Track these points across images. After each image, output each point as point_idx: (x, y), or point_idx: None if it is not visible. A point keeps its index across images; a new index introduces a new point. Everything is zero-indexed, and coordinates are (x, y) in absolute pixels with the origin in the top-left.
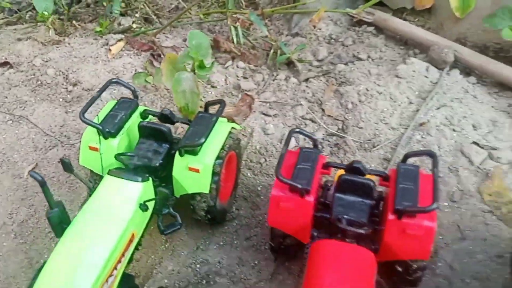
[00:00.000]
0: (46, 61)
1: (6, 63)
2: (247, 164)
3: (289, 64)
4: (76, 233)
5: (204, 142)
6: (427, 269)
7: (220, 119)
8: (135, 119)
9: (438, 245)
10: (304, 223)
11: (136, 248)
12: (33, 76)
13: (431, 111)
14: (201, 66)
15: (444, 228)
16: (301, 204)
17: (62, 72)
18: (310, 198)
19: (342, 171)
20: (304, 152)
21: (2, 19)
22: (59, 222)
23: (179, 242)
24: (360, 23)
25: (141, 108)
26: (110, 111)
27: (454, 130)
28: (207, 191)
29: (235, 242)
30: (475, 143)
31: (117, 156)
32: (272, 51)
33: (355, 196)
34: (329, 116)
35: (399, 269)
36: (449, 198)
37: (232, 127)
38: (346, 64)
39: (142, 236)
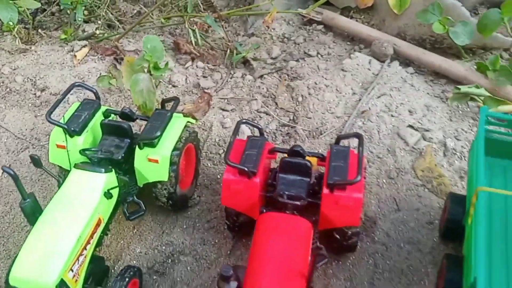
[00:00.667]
0: (14, 69)
1: None
2: (207, 155)
3: (245, 62)
4: (48, 219)
5: (161, 135)
6: (368, 237)
7: (176, 114)
8: (98, 118)
9: (377, 216)
10: (253, 202)
11: (105, 234)
12: (2, 83)
13: (372, 100)
14: (156, 67)
15: (382, 201)
16: (249, 185)
17: (30, 79)
18: (257, 179)
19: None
20: (251, 140)
21: None
22: (32, 212)
23: (145, 227)
24: (310, 22)
25: (103, 108)
26: (75, 111)
27: (392, 116)
28: (166, 179)
29: (198, 225)
30: (410, 126)
31: (82, 151)
32: (228, 51)
33: (295, 175)
34: (281, 108)
35: (337, 236)
36: (387, 175)
37: (188, 121)
38: (297, 60)
39: (109, 222)
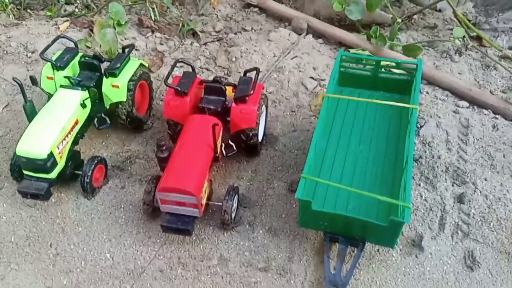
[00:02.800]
0: (9, 37)
1: None
2: (160, 97)
3: (194, 34)
4: (42, 116)
5: (121, 67)
6: (271, 148)
7: (133, 58)
8: (77, 59)
9: (279, 135)
10: (186, 114)
11: (81, 136)
12: None
13: (287, 61)
14: (119, 24)
15: (284, 126)
16: (182, 101)
17: (22, 44)
18: (188, 99)
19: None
20: (185, 74)
21: None
22: (31, 112)
23: (111, 141)
24: (248, 5)
25: (80, 54)
26: (60, 54)
27: (300, 71)
28: (124, 100)
29: (150, 141)
30: (311, 77)
31: (66, 77)
32: (181, 25)
33: (214, 96)
34: (219, 66)
35: (243, 137)
36: (290, 109)
37: (141, 63)
38: (235, 33)
39: (84, 128)
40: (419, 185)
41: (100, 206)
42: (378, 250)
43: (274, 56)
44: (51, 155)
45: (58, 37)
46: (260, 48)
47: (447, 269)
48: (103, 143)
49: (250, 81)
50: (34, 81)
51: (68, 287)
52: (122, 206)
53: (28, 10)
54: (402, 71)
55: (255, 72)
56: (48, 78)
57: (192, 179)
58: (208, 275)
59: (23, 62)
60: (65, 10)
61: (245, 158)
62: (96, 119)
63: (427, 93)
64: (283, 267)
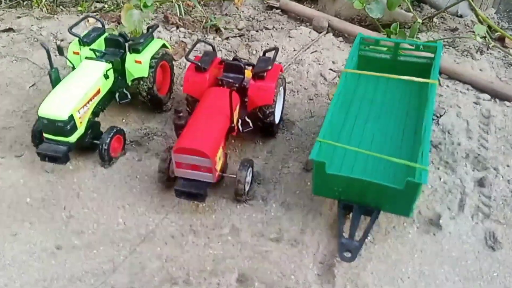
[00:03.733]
0: (41, 28)
1: (10, 29)
2: (181, 83)
3: (217, 30)
4: (65, 82)
5: (143, 43)
6: (288, 131)
7: (156, 39)
8: (103, 37)
9: (296, 120)
10: (204, 90)
11: (101, 109)
12: (31, 36)
13: (306, 54)
14: (145, 6)
15: (302, 112)
16: (201, 78)
17: (52, 34)
18: (207, 75)
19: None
20: (205, 52)
21: (6, 4)
22: (55, 79)
23: (131, 119)
24: (271, 8)
25: (107, 33)
26: (88, 32)
27: (319, 64)
28: (146, 75)
29: (168, 119)
30: (331, 69)
31: (91, 49)
32: (205, 21)
33: (233, 73)
34: (240, 58)
35: (260, 114)
36: (308, 98)
37: (164, 44)
38: (257, 31)
39: (105, 100)
40: (438, 168)
41: (116, 175)
42: (394, 227)
43: (294, 50)
44: (71, 118)
45: (86, 16)
46: (280, 43)
47: (466, 248)
48: (123, 120)
49: (269, 60)
50: (60, 50)
51: (78, 246)
52: (138, 177)
53: (61, 7)
54: (421, 55)
55: (274, 51)
56: (74, 53)
57: (208, 142)
58: (219, 242)
59: (51, 48)
60: (95, 7)
61: (261, 140)
62: (117, 94)
63: (447, 86)
64: (295, 238)
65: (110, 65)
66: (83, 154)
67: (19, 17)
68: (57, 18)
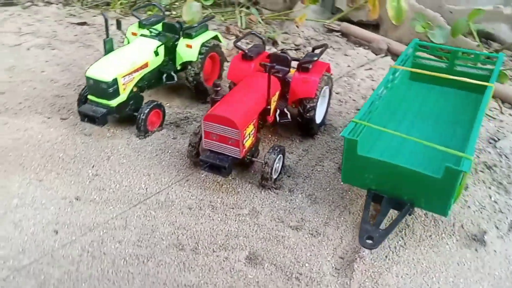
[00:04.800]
0: (111, 24)
1: (84, 23)
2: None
3: (274, 43)
4: (116, 51)
5: (196, 29)
6: (328, 135)
7: (211, 31)
8: (161, 23)
9: (339, 126)
10: None
11: (148, 84)
12: (101, 30)
13: (360, 70)
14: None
15: (346, 120)
16: (246, 66)
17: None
18: (252, 64)
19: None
20: (255, 45)
21: (86, 5)
22: (109, 47)
23: (174, 103)
24: (331, 31)
25: (165, 20)
26: (148, 16)
27: (372, 80)
28: (195, 60)
29: (207, 107)
30: None
31: (148, 27)
32: (263, 32)
33: (279, 66)
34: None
35: (300, 109)
36: (355, 108)
37: (217, 35)
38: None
39: (153, 78)
40: (489, 188)
41: (148, 147)
42: (430, 235)
43: (349, 66)
44: (115, 81)
45: (149, 3)
46: (336, 60)
47: None
48: (167, 104)
49: (315, 56)
50: (119, 24)
51: (96, 201)
52: (169, 151)
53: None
54: (479, 67)
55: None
56: (132, 34)
57: (239, 113)
58: (236, 221)
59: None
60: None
61: (299, 138)
62: (165, 75)
63: (510, 115)
64: (317, 229)
65: (161, 43)
66: (122, 125)
67: (94, 16)
68: (129, 19)
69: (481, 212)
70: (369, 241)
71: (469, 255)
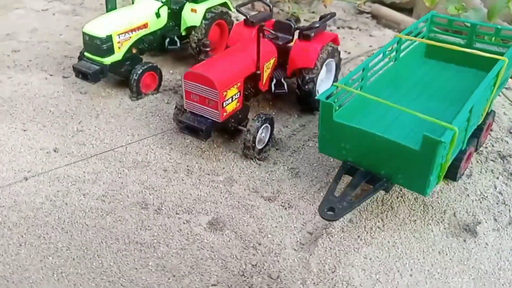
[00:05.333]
0: None
1: None
2: None
3: (297, 21)
4: (117, 11)
5: None
6: None
7: None
8: None
9: None
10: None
11: (148, 45)
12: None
13: None
14: None
15: None
16: (247, 32)
17: None
18: (254, 31)
19: None
20: (262, 13)
21: None
22: (111, 7)
23: (177, 70)
24: (362, 12)
25: None
26: None
27: None
28: (198, 24)
29: None
30: None
31: None
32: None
33: (282, 33)
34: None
35: (299, 80)
36: None
37: (226, 3)
38: (338, 27)
39: (154, 40)
40: (497, 178)
41: (139, 109)
42: (415, 220)
43: (370, 46)
44: (109, 38)
45: None
46: (358, 39)
47: (503, 265)
48: (170, 71)
49: (319, 23)
50: None
51: (73, 154)
52: (159, 115)
53: None
54: (498, 47)
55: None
56: None
57: (219, 73)
58: (208, 186)
59: None
60: None
61: (298, 113)
62: (168, 40)
63: None
64: (289, 201)
65: (162, 5)
66: (119, 86)
67: None
68: None
69: (480, 202)
70: (330, 213)
71: (455, 244)
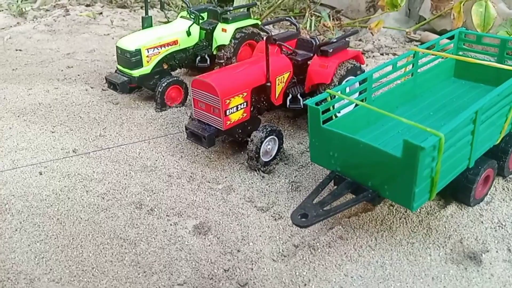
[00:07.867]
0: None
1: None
2: None
3: None
4: (151, 28)
5: (234, 15)
6: None
7: (252, 19)
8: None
9: None
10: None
11: (178, 62)
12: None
13: None
14: None
15: None
16: (270, 49)
17: None
18: (276, 48)
19: None
20: (289, 31)
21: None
22: (146, 24)
23: None
24: (411, 40)
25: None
26: (200, 7)
27: None
28: (227, 43)
29: None
30: None
31: (191, 11)
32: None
33: (303, 51)
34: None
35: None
36: None
37: (257, 24)
38: (381, 54)
39: (184, 57)
40: None
41: (161, 119)
42: (413, 243)
43: None
44: (138, 52)
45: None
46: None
47: None
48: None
49: (338, 38)
50: (162, 5)
51: (89, 155)
52: (178, 126)
53: None
54: None
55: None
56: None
57: (223, 81)
58: (205, 193)
59: None
60: None
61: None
62: (199, 58)
63: None
64: (281, 213)
65: (192, 23)
66: (148, 99)
67: None
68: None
69: (495, 230)
70: (302, 219)
71: (453, 272)
